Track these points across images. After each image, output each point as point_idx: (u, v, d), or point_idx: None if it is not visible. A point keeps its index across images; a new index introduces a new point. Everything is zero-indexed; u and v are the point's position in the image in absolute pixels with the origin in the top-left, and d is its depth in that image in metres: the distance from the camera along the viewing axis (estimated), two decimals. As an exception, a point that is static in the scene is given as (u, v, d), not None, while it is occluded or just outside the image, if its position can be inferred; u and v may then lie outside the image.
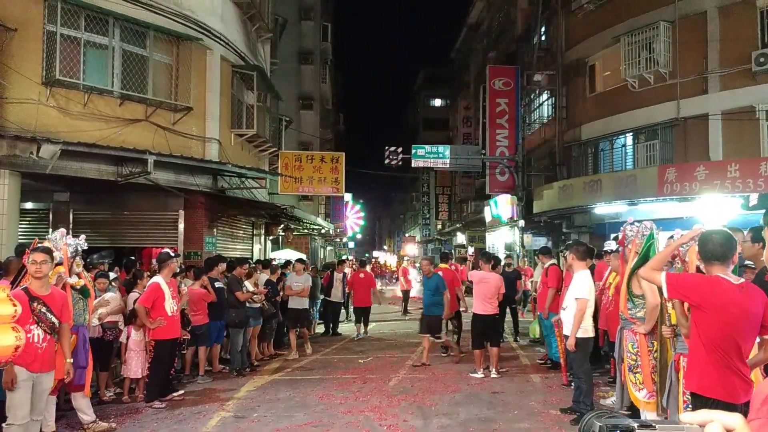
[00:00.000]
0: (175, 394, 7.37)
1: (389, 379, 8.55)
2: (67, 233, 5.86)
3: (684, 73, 14.73)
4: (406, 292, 18.63)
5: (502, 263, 12.10)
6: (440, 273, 9.93)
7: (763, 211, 1.05)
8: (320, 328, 14.46)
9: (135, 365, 7.29)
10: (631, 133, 16.66)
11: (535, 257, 12.36)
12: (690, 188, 13.08)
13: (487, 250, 21.41)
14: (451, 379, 8.45)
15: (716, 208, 12.77)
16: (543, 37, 21.07)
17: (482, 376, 8.49)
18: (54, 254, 5.21)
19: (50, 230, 8.62)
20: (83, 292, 5.87)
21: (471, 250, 26.88)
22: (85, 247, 5.93)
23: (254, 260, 13.17)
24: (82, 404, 5.91)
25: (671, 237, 5.09)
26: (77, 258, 5.79)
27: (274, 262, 13.05)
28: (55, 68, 9.26)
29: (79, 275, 5.88)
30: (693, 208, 13.53)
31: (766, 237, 1.11)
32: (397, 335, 13.79)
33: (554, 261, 9.31)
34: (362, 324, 13.34)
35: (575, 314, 6.14)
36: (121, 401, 7.21)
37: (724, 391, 3.08)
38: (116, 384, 7.72)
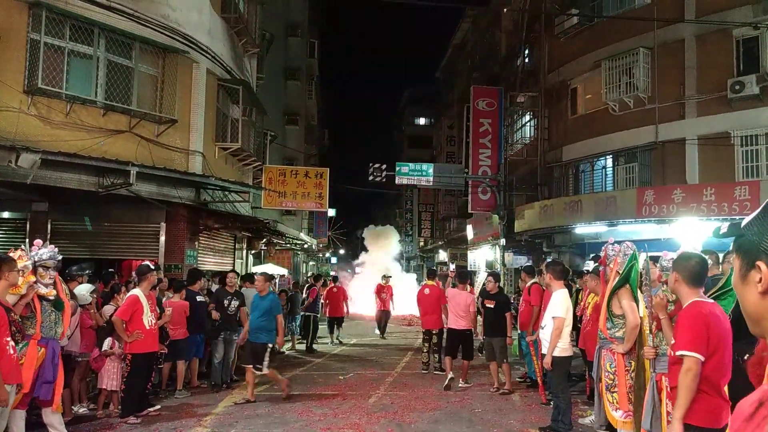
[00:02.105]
0: (151, 409, 7.24)
1: (369, 396, 8.51)
2: (44, 243, 5.75)
3: (662, 98, 15.10)
4: (385, 313, 17.24)
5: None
6: (275, 294, 9.01)
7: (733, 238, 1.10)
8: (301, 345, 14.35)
9: (109, 378, 7.15)
10: (611, 156, 16.96)
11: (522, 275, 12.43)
12: (667, 210, 13.33)
13: (464, 269, 21.47)
14: (431, 397, 8.44)
15: (693, 230, 13.03)
16: (526, 60, 21.46)
17: (452, 376, 9.10)
18: (27, 263, 5.14)
19: (27, 240, 8.47)
20: (57, 304, 5.70)
21: (452, 266, 26.93)
22: (45, 257, 5.65)
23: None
24: (53, 420, 5.73)
25: (657, 261, 5.07)
26: (40, 269, 5.57)
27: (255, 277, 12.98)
28: (38, 77, 9.18)
29: (49, 286, 5.71)
30: (671, 229, 13.78)
31: (733, 264, 1.17)
32: (377, 352, 13.75)
33: (536, 280, 9.39)
34: (336, 331, 15.21)
35: (552, 332, 6.20)
36: (96, 416, 7.06)
37: (713, 417, 3.11)
38: (91, 399, 7.57)
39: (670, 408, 3.94)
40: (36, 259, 5.50)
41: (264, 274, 8.76)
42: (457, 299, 9.46)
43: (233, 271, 10.39)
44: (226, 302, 9.11)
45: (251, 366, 7.98)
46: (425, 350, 10.90)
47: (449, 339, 9.67)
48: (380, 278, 18.55)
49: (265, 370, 7.99)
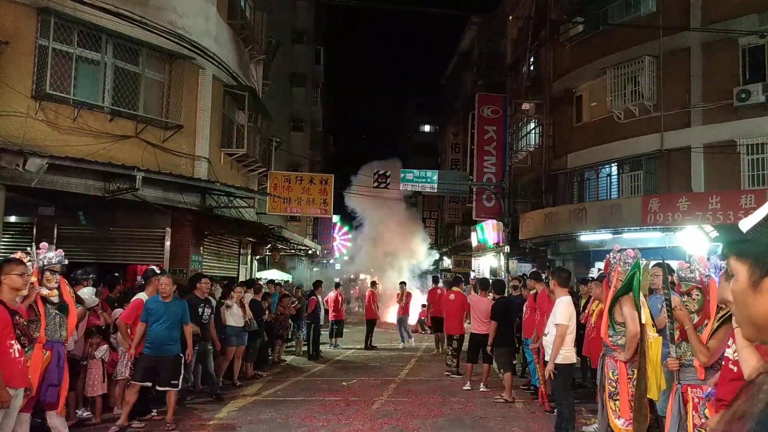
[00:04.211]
0: (154, 413, 7.25)
1: (372, 402, 8.50)
2: (50, 247, 5.78)
3: (668, 106, 15.07)
4: (371, 322, 16.30)
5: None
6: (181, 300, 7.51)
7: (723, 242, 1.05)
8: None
9: (92, 385, 7.04)
10: (615, 163, 16.93)
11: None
12: (673, 218, 13.28)
13: (485, 277, 21.31)
14: (435, 404, 8.42)
15: (698, 238, 12.97)
16: (532, 67, 21.47)
17: (470, 388, 9.41)
18: (28, 265, 5.17)
19: (33, 245, 8.54)
20: (61, 307, 5.74)
21: (473, 274, 26.79)
22: (54, 261, 5.68)
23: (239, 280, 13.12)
24: (57, 423, 5.76)
25: (675, 275, 4.96)
26: (47, 273, 5.62)
27: (259, 282, 13.01)
28: (46, 82, 9.25)
29: (54, 289, 5.73)
30: (676, 238, 13.73)
31: (734, 270, 1.12)
32: (381, 359, 13.72)
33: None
34: (336, 335, 15.69)
35: (554, 340, 6.19)
36: (101, 420, 7.07)
37: None
38: (92, 403, 7.57)
39: (697, 420, 3.89)
40: (45, 262, 5.55)
41: (171, 275, 7.57)
42: (479, 305, 9.88)
43: (206, 276, 9.48)
44: (200, 310, 8.39)
45: (169, 388, 6.90)
46: (450, 353, 11.35)
47: (471, 344, 9.99)
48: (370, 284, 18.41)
49: (180, 385, 7.03)
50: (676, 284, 4.44)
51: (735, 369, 3.15)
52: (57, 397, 5.57)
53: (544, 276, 9.89)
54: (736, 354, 3.16)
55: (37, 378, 5.21)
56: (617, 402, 5.05)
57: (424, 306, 21.48)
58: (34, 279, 5.29)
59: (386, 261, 30.93)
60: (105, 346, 7.14)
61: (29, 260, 5.24)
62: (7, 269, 4.65)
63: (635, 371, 4.99)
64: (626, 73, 15.83)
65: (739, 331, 3.13)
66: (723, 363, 3.35)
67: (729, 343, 3.32)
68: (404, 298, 17.10)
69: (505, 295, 10.19)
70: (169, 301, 6.99)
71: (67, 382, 5.84)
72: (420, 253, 32.56)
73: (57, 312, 5.67)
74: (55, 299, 5.63)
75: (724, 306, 3.82)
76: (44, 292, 5.47)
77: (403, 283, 17.82)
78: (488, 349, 9.20)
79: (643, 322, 4.97)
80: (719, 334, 3.80)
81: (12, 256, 5.13)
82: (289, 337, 14.36)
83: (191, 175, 11.40)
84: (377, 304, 17.29)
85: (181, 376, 7.10)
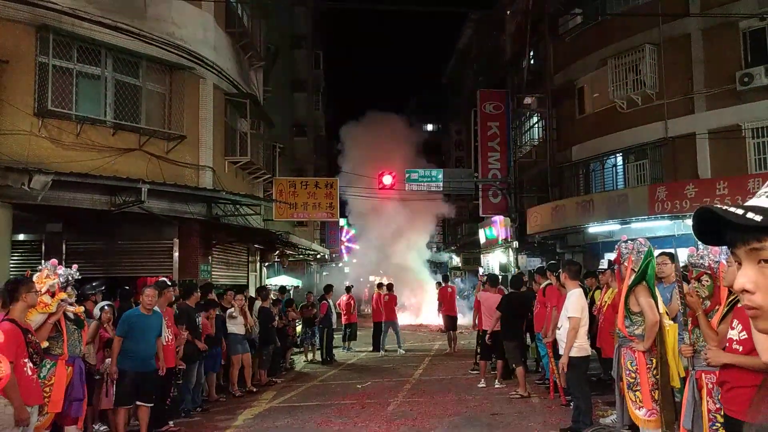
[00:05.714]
0: (171, 423, 7.25)
1: (388, 403, 8.47)
2: (60, 264, 5.82)
3: (671, 93, 14.97)
4: (378, 324, 15.51)
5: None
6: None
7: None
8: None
9: (109, 396, 6.92)
10: (621, 153, 16.83)
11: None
12: (681, 206, 13.20)
13: (495, 273, 21.17)
14: (451, 402, 8.38)
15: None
16: (532, 61, 21.41)
17: (485, 385, 9.33)
18: (55, 281, 5.21)
19: (43, 262, 8.58)
20: (78, 322, 5.82)
21: (481, 270, 26.58)
22: (78, 277, 5.85)
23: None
24: None
25: (684, 264, 4.90)
26: (69, 288, 5.69)
27: (266, 289, 13.03)
28: (47, 99, 9.29)
29: (72, 305, 5.82)
30: (685, 225, 13.63)
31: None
32: (394, 360, 13.69)
33: (550, 282, 9.31)
34: (349, 339, 15.86)
35: (567, 333, 6.15)
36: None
37: None
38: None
39: (711, 406, 3.86)
40: (69, 278, 5.60)
41: (155, 285, 7.08)
42: (490, 301, 9.76)
43: (209, 283, 9.66)
44: (197, 319, 8.33)
45: (145, 403, 6.60)
46: (478, 351, 11.16)
47: (483, 341, 9.91)
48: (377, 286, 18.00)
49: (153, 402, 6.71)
50: (689, 270, 4.41)
51: (741, 349, 3.09)
52: (81, 412, 5.63)
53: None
54: (742, 334, 3.10)
55: (62, 394, 5.25)
56: (637, 393, 4.98)
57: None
58: (64, 296, 5.33)
59: (395, 262, 30.84)
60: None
61: (55, 276, 5.28)
62: (27, 287, 4.66)
63: (653, 360, 4.94)
64: (627, 63, 15.73)
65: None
66: (727, 345, 3.30)
67: (733, 325, 3.27)
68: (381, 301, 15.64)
69: (522, 290, 9.91)
70: (151, 314, 6.69)
71: (86, 396, 5.92)
72: (427, 251, 32.55)
73: (75, 327, 5.75)
74: (71, 315, 5.70)
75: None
76: (71, 309, 5.55)
77: (389, 285, 16.50)
78: (487, 338, 9.28)
79: (660, 311, 4.91)
80: (729, 319, 3.76)
81: (41, 271, 5.18)
82: (299, 343, 14.37)
83: (196, 185, 11.42)
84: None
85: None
